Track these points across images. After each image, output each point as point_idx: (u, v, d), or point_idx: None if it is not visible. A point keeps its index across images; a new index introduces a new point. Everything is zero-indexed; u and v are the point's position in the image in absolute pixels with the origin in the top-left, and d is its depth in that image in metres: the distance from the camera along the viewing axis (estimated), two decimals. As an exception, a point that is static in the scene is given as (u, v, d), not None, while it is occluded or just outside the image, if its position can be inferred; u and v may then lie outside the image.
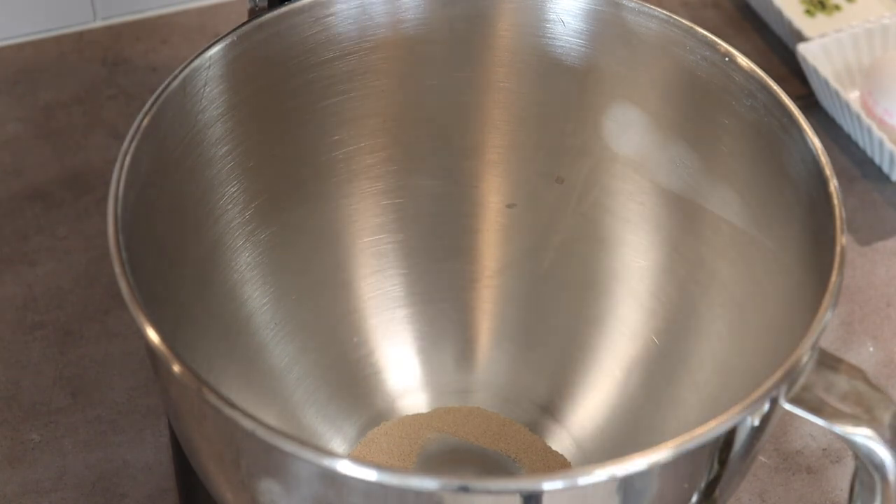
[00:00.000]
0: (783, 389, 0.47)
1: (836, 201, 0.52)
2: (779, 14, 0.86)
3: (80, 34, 0.86)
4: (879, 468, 0.47)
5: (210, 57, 0.58)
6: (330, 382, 0.65)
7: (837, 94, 0.80)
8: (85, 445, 0.65)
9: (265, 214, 0.63)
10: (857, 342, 0.71)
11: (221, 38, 0.58)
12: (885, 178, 0.79)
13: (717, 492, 0.50)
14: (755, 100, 0.57)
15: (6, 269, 0.73)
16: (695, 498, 0.49)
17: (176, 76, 0.56)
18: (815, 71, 0.81)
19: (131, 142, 0.53)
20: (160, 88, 0.55)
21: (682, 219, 0.63)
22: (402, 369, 0.66)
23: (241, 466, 0.48)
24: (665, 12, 0.60)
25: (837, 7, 0.88)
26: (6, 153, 0.79)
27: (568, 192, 0.66)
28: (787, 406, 0.47)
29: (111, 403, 0.67)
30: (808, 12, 0.87)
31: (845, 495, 0.64)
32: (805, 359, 0.47)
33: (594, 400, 0.65)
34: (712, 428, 0.45)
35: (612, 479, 0.45)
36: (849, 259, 0.74)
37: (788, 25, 0.85)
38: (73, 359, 0.69)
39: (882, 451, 0.47)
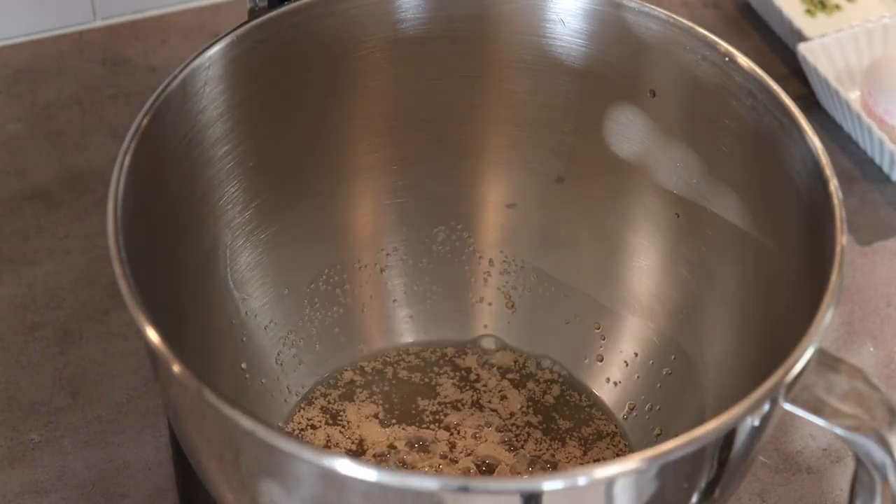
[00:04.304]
0: (783, 389, 0.47)
1: (836, 201, 0.52)
2: (779, 14, 0.86)
3: (80, 34, 0.86)
4: (879, 468, 0.47)
5: (210, 57, 0.58)
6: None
7: (837, 93, 0.80)
8: (85, 445, 0.65)
9: (265, 214, 0.63)
10: (857, 342, 0.71)
11: (221, 38, 0.58)
12: (885, 178, 0.79)
13: (717, 492, 0.50)
14: (755, 100, 0.57)
15: (6, 269, 0.73)
16: (695, 498, 0.49)
17: (176, 76, 0.56)
18: (816, 71, 0.81)
19: (131, 142, 0.53)
20: (160, 88, 0.55)
21: (683, 219, 0.63)
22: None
23: (241, 466, 0.48)
24: (665, 12, 0.60)
25: (838, 7, 0.88)
26: (6, 153, 0.79)
27: (568, 191, 0.66)
28: (787, 406, 0.47)
29: (111, 403, 0.67)
30: (809, 12, 0.87)
31: (845, 495, 0.64)
32: (805, 359, 0.47)
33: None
34: (712, 428, 0.45)
35: (612, 480, 0.45)
36: (849, 259, 0.74)
37: (789, 25, 0.85)
38: (73, 359, 0.69)
39: (882, 451, 0.47)
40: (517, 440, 0.63)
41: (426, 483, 0.43)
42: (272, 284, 0.64)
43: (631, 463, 0.44)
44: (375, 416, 0.64)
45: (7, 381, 0.68)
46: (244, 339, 0.63)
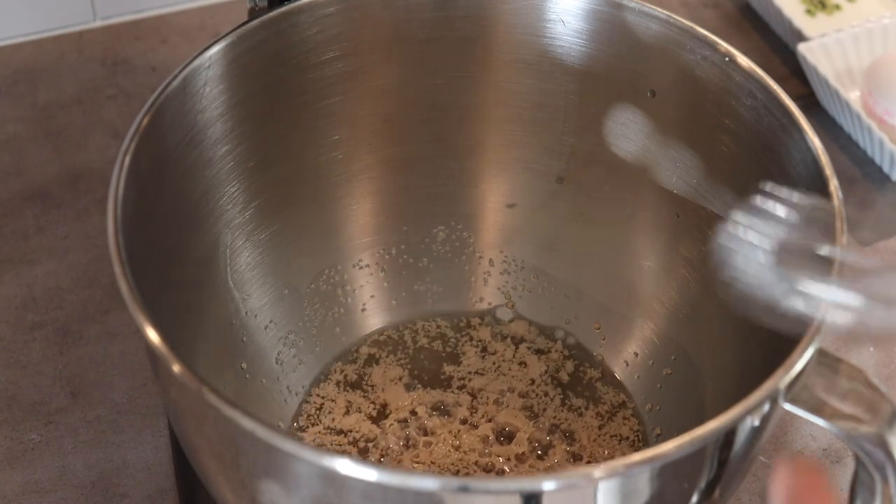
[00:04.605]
0: (783, 389, 0.47)
1: (836, 201, 0.52)
2: (779, 13, 0.86)
3: (80, 34, 0.86)
4: (879, 468, 0.47)
5: (210, 57, 0.58)
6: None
7: (837, 93, 0.80)
8: (85, 445, 0.65)
9: (265, 214, 0.63)
10: (857, 342, 0.71)
11: (221, 38, 0.58)
12: (885, 178, 0.79)
13: (717, 492, 0.50)
14: (755, 100, 0.57)
15: (6, 269, 0.73)
16: (695, 498, 0.49)
17: (176, 76, 0.56)
18: (816, 71, 0.81)
19: (131, 142, 0.53)
20: (160, 88, 0.55)
21: (683, 219, 0.63)
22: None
23: (241, 466, 0.48)
24: (665, 12, 0.60)
25: (838, 7, 0.88)
26: (6, 153, 0.79)
27: (568, 191, 0.66)
28: (787, 406, 0.47)
29: (111, 403, 0.67)
30: (809, 12, 0.87)
31: (845, 495, 0.64)
32: (805, 359, 0.47)
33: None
34: (712, 428, 0.45)
35: (612, 480, 0.45)
36: (849, 259, 0.74)
37: (789, 25, 0.85)
38: (73, 359, 0.69)
39: (882, 452, 0.47)
40: (538, 406, 0.63)
41: (426, 483, 0.43)
42: (272, 284, 0.64)
43: (631, 463, 0.44)
44: (400, 379, 0.64)
45: (7, 381, 0.68)
46: (244, 339, 0.63)
